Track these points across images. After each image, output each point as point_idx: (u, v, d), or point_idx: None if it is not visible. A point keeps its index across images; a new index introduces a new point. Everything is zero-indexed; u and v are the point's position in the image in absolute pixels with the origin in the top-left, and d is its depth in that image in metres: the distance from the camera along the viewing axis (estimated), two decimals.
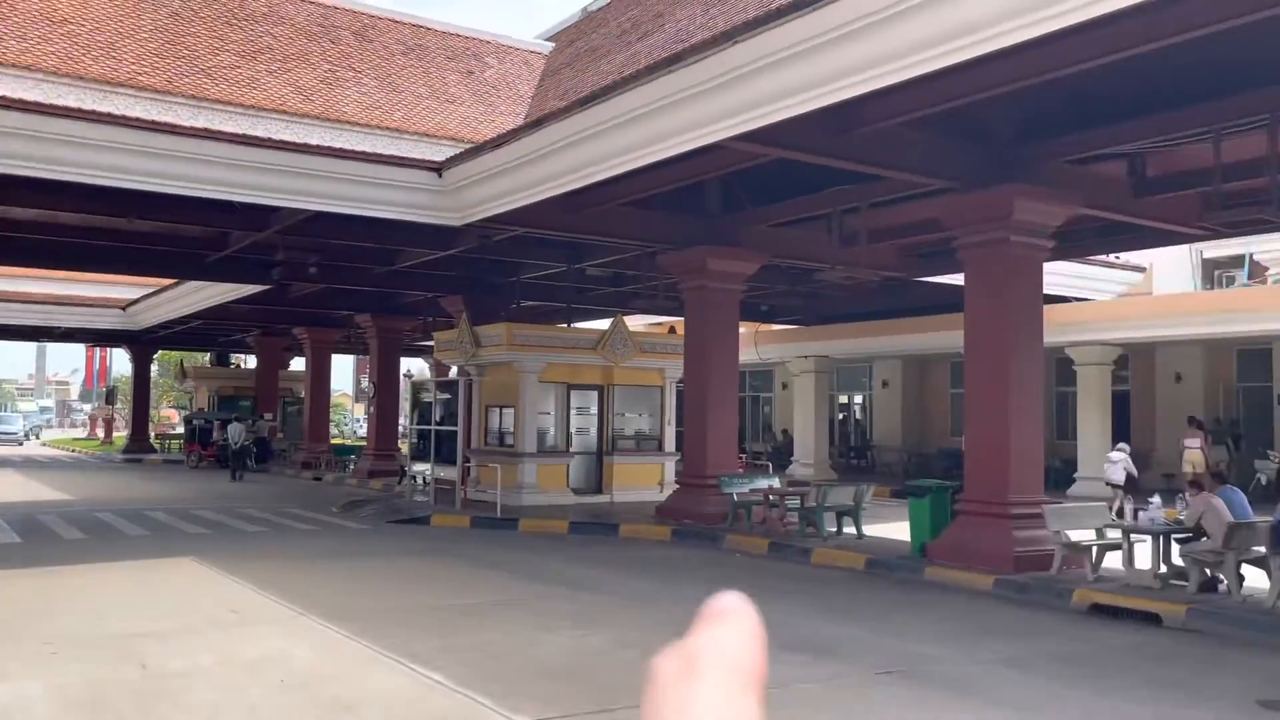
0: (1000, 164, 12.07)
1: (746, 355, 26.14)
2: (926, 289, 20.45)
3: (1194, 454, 19.00)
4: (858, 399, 31.76)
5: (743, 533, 14.99)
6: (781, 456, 28.02)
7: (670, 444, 20.87)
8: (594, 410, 20.44)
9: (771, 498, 15.67)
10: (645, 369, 20.55)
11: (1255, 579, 10.12)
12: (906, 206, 14.60)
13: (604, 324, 21.22)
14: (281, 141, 13.34)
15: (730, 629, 0.57)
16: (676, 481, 17.80)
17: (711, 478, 16.14)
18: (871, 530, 14.99)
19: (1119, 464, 19.02)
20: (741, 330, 25.47)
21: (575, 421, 20.25)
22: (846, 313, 24.86)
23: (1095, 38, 8.40)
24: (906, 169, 11.93)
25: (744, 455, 26.14)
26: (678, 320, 20.58)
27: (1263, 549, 9.90)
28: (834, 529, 14.93)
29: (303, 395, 33.21)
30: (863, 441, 30.42)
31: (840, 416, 31.87)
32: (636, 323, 26.67)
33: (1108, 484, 18.99)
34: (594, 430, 20.44)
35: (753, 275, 17.24)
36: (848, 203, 14.48)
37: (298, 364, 37.79)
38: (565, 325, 22.32)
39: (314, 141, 13.69)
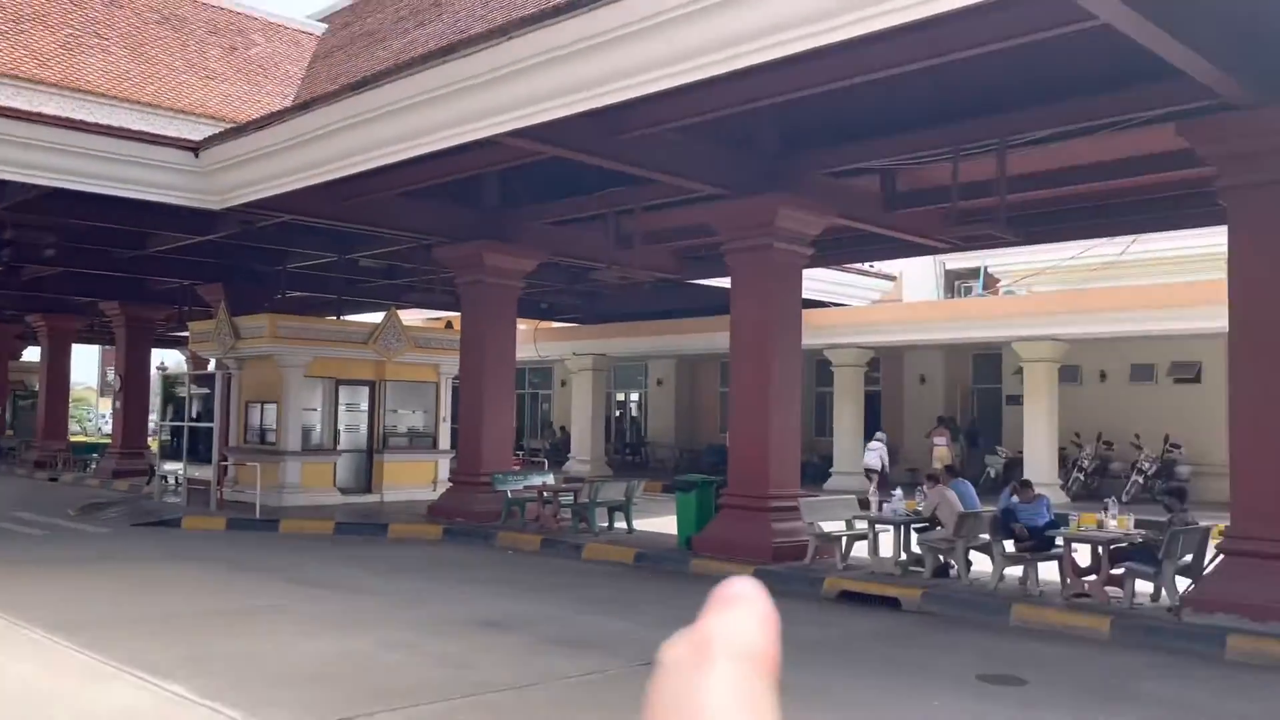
0: (766, 173, 12.62)
1: (526, 352, 26.07)
2: (699, 291, 21.11)
3: (941, 450, 20.75)
4: (634, 396, 32.38)
5: (516, 530, 14.95)
6: (559, 453, 28.17)
7: (445, 442, 20.52)
8: (364, 406, 19.80)
9: (545, 494, 15.71)
10: (420, 364, 20.11)
11: (982, 564, 11.08)
12: (680, 211, 15.00)
13: (377, 317, 20.60)
14: (10, 109, 12.10)
15: (742, 614, 0.55)
16: (450, 480, 17.53)
17: (486, 475, 16.00)
18: (643, 525, 15.32)
19: (876, 451, 20.61)
20: (521, 327, 25.42)
21: (344, 418, 19.54)
22: (624, 312, 25.29)
23: (849, 58, 8.94)
24: (678, 174, 12.26)
25: (521, 452, 26.15)
26: (456, 315, 20.27)
27: (987, 536, 10.87)
28: (606, 524, 15.15)
29: (37, 388, 30.28)
30: (638, 438, 31.06)
31: (617, 414, 32.40)
32: (413, 317, 26.05)
33: (866, 470, 20.53)
34: (364, 427, 19.80)
35: (531, 272, 17.22)
36: (623, 204, 14.74)
37: (32, 354, 34.40)
38: (335, 318, 21.50)
39: (50, 111, 12.49)
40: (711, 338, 21.65)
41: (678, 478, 14.85)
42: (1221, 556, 9.27)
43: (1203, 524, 10.11)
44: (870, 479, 20.29)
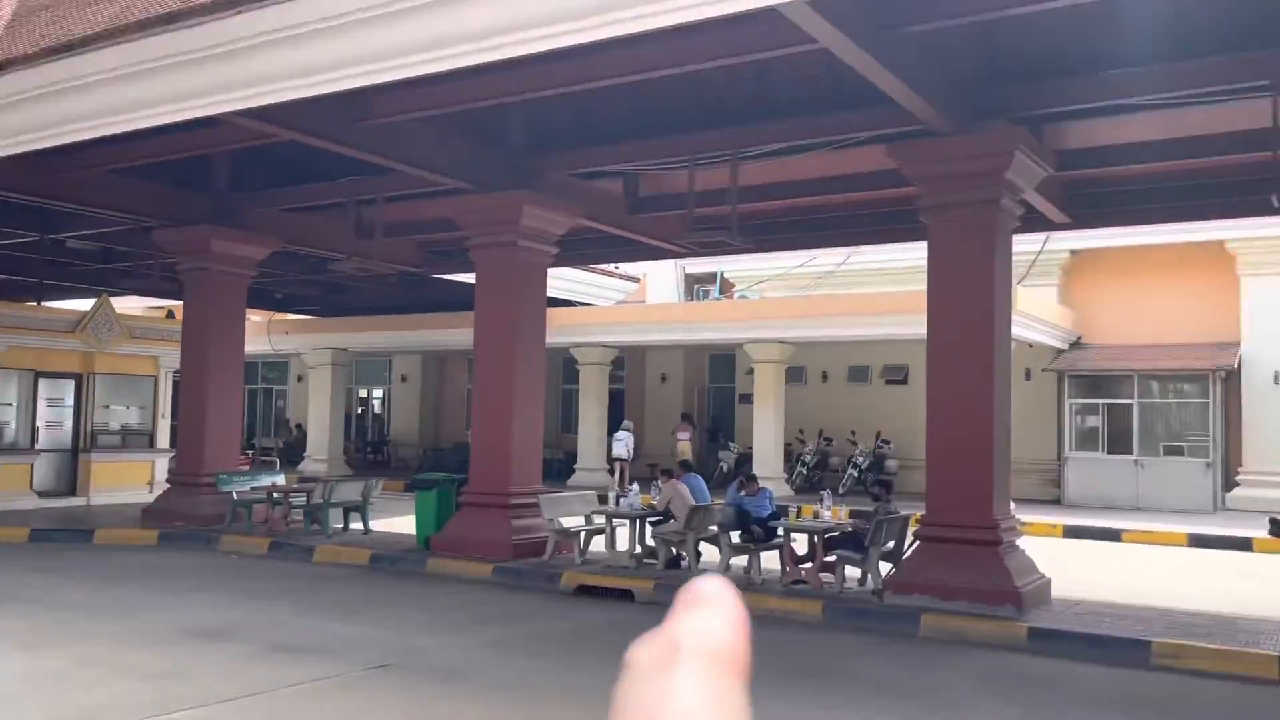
0: (513, 171, 12.62)
1: (259, 345, 24.72)
2: (447, 286, 20.79)
3: (684, 445, 21.65)
4: (377, 393, 31.46)
5: (242, 533, 14.14)
6: (295, 452, 26.90)
7: (165, 440, 19.06)
8: (70, 401, 18.05)
9: (275, 495, 14.95)
10: (136, 356, 18.59)
11: (713, 555, 11.60)
12: (425, 203, 14.71)
13: (88, 304, 18.84)
14: None
15: (710, 614, 0.54)
16: (168, 481, 16.30)
17: (209, 476, 15.01)
18: (382, 525, 14.91)
19: (624, 441, 21.30)
20: (256, 319, 24.09)
21: (45, 414, 17.72)
22: (367, 305, 24.50)
23: (591, 62, 9.11)
24: (422, 165, 12.02)
25: (252, 451, 24.73)
26: (179, 304, 18.88)
27: (716, 528, 11.40)
28: (341, 526, 14.63)
29: None
30: (380, 436, 30.21)
31: (359, 411, 31.37)
32: (130, 305, 24.02)
33: (614, 459, 21.16)
34: (69, 424, 18.05)
35: (264, 260, 16.32)
36: (365, 194, 14.28)
37: None
38: (35, 303, 19.46)
39: None
40: (459, 333, 21.39)
41: (417, 476, 14.58)
42: (918, 542, 10.20)
43: (904, 513, 11.08)
44: (617, 468, 20.86)
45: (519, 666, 7.83)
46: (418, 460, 26.80)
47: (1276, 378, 18.89)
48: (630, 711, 0.52)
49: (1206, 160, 11.47)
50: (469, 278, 16.79)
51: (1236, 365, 18.99)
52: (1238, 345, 19.20)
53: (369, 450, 29.30)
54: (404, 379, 29.74)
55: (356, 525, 14.71)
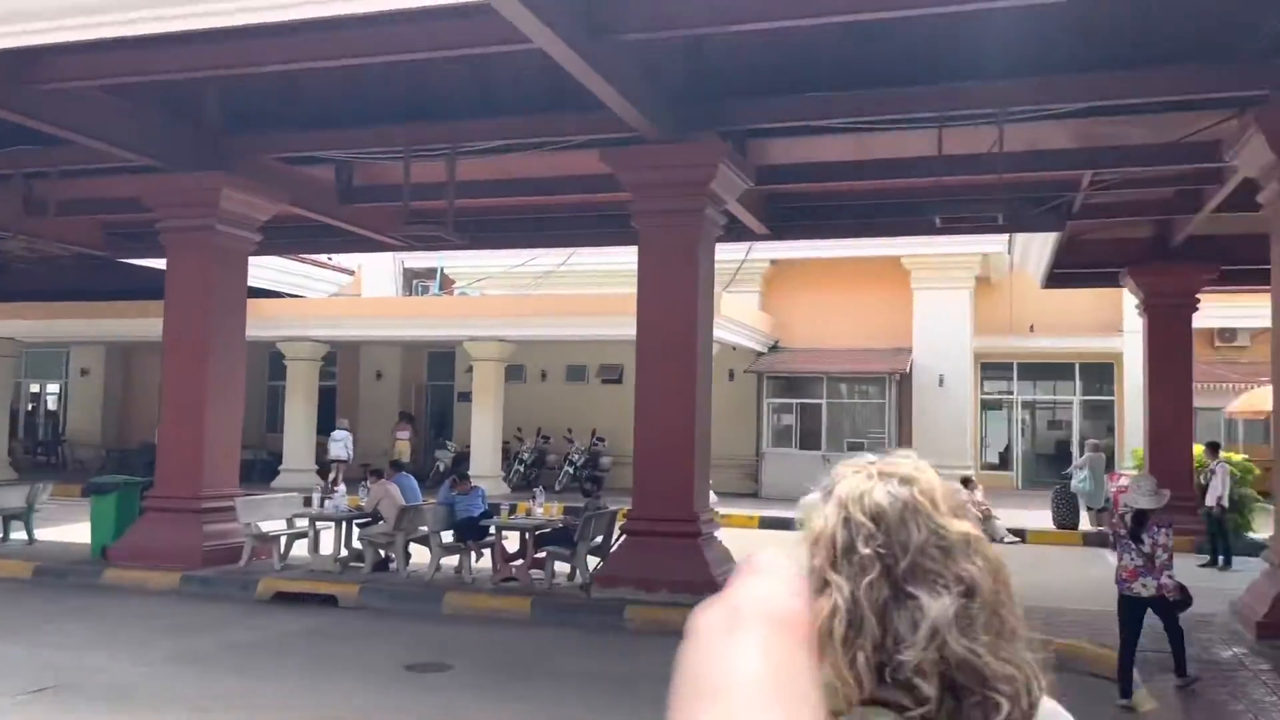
0: (210, 150, 11.75)
1: None
2: (135, 271, 19.00)
3: (403, 444, 21.12)
4: (52, 388, 28.37)
5: None
6: None
7: None
8: None
9: None
10: None
11: (424, 556, 11.35)
12: (110, 180, 13.39)
13: None
14: None
15: (770, 581, 0.56)
16: None
17: None
18: (51, 534, 13.47)
19: (341, 441, 20.47)
20: None
21: None
22: (40, 290, 21.94)
23: (288, 42, 8.67)
24: (102, 138, 10.89)
25: None
26: None
27: (427, 528, 11.18)
28: (1, 535, 13.04)
29: None
30: (54, 436, 27.26)
31: (29, 407, 28.15)
32: None
33: (332, 460, 20.30)
34: None
35: None
36: (36, 166, 12.81)
37: None
38: None
39: None
40: (149, 323, 19.58)
41: (94, 479, 13.26)
42: (625, 536, 10.50)
43: (613, 508, 11.38)
44: (333, 469, 20.01)
45: (201, 682, 7.28)
46: (100, 462, 24.41)
47: (941, 381, 21.15)
48: (693, 674, 0.54)
49: (887, 181, 12.63)
50: (160, 263, 15.50)
51: (909, 369, 21.07)
52: (910, 351, 21.32)
53: (40, 451, 26.46)
54: (84, 373, 27.02)
55: (20, 534, 13.17)
